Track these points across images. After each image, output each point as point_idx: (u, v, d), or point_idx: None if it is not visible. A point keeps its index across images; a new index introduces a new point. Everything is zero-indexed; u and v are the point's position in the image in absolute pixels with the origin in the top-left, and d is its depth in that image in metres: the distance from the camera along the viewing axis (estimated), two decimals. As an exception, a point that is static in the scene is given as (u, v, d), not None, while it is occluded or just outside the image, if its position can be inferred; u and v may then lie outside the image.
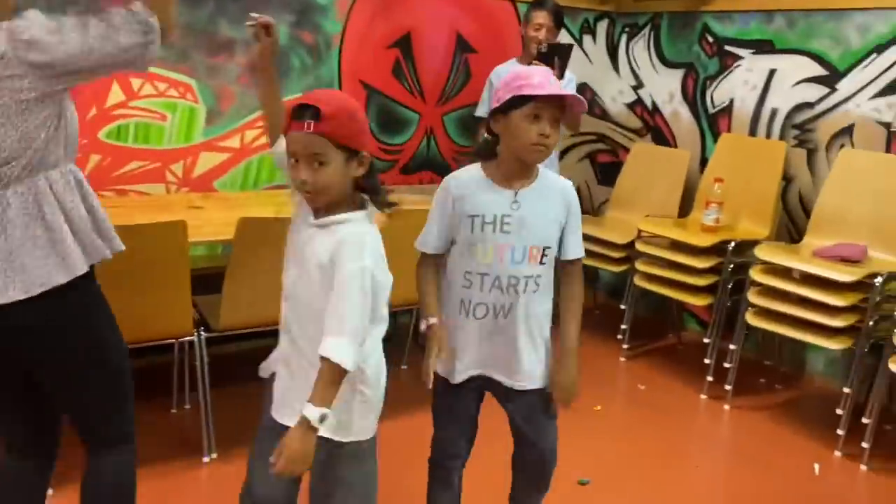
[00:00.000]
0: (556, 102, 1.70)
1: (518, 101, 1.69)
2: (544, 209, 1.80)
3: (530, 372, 1.88)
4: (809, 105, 3.58)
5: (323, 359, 1.46)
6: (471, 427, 1.99)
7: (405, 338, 3.56)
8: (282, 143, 1.57)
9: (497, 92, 1.75)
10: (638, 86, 4.40)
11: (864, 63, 3.36)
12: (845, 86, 3.44)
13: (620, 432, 3.10)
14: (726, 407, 3.33)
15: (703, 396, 3.41)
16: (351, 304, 1.48)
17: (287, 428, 1.50)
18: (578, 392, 1.90)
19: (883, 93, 3.30)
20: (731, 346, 3.35)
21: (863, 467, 2.87)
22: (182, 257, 2.47)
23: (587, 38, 4.44)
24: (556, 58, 3.23)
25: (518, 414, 1.94)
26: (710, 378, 3.43)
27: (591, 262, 4.07)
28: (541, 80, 1.70)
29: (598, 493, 2.63)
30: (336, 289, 1.49)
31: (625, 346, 3.85)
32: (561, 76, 3.24)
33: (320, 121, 1.45)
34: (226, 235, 2.56)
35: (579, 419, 3.15)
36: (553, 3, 3.46)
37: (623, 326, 3.88)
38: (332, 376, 1.47)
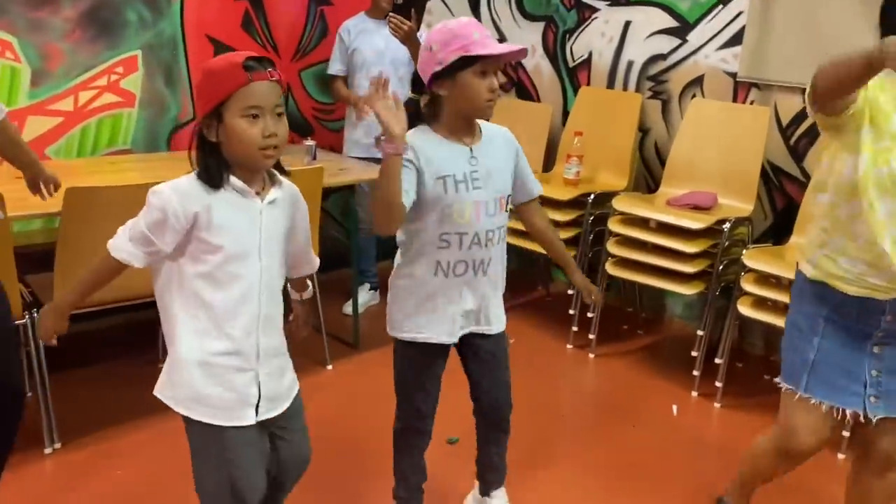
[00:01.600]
0: (503, 58, 1.73)
1: (465, 62, 1.67)
2: (498, 159, 1.84)
3: (497, 316, 1.96)
4: (662, 56, 3.65)
5: (305, 278, 1.81)
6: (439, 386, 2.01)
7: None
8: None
9: (434, 55, 1.70)
10: (500, 39, 4.36)
11: (711, 14, 3.45)
12: (695, 37, 3.52)
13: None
14: (591, 356, 3.42)
15: (569, 346, 3.49)
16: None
17: (265, 421, 1.60)
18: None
19: (729, 43, 3.40)
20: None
21: (717, 405, 3.02)
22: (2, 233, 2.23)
23: (446, -10, 4.34)
24: (412, 10, 3.18)
25: (479, 357, 1.98)
26: (574, 328, 3.50)
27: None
28: (480, 35, 1.69)
29: (466, 451, 2.62)
30: (304, 224, 1.69)
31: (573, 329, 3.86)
32: (418, 27, 3.19)
33: (276, 70, 1.46)
34: (55, 208, 2.33)
35: (447, 377, 3.13)
36: None
37: (571, 312, 3.88)
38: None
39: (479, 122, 1.84)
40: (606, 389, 3.18)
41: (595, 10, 3.88)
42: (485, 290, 1.90)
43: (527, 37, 4.21)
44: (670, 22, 3.60)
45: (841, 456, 2.70)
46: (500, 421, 2.11)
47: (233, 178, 1.49)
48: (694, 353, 3.13)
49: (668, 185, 3.47)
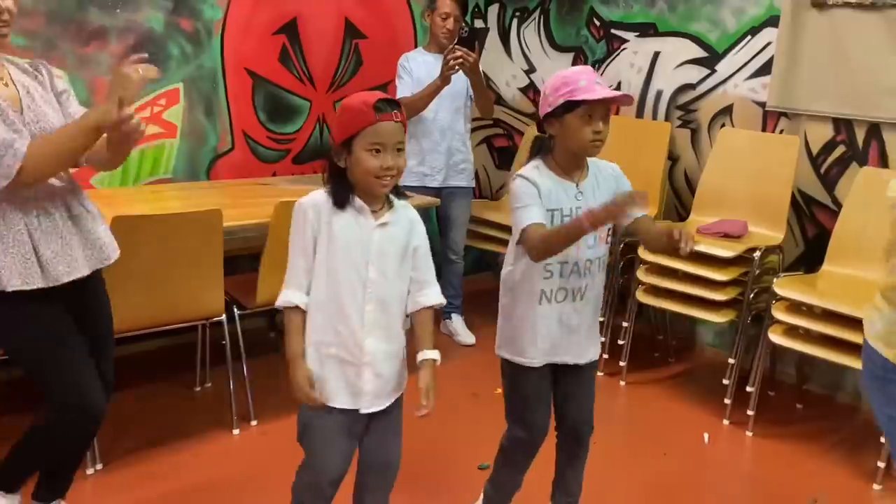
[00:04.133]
0: (607, 102, 1.83)
1: (571, 105, 1.81)
2: (602, 195, 1.94)
3: (593, 346, 2.07)
4: (691, 86, 3.69)
5: (427, 308, 1.80)
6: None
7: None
8: None
9: (547, 98, 1.87)
10: (530, 70, 4.44)
11: (740, 45, 3.49)
12: (723, 67, 3.56)
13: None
14: (622, 383, 3.42)
15: (600, 374, 3.49)
16: (431, 262, 1.84)
17: (368, 416, 1.78)
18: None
19: (757, 73, 3.43)
20: (625, 324, 3.44)
21: (748, 433, 3.01)
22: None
23: (478, 23, 4.43)
24: (475, 42, 3.28)
25: (570, 387, 2.08)
26: (605, 356, 3.51)
27: (490, 247, 4.10)
28: (587, 82, 1.82)
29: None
30: (422, 251, 1.80)
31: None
32: (479, 57, 3.32)
33: (402, 112, 1.66)
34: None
35: (481, 404, 3.17)
36: None
37: None
38: (433, 320, 1.85)
39: (589, 158, 1.96)
40: (637, 417, 3.18)
41: (624, 41, 3.94)
42: (582, 318, 2.00)
43: (556, 67, 4.27)
44: (699, 52, 3.64)
45: (877, 487, 2.67)
46: (577, 446, 2.20)
47: (356, 199, 1.70)
48: (725, 382, 3.13)
49: (698, 213, 3.49)
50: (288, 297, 1.73)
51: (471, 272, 4.58)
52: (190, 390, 3.17)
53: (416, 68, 3.51)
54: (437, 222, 3.85)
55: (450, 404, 3.15)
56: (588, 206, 1.88)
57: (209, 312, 2.77)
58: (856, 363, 2.65)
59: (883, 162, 3.11)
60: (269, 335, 3.77)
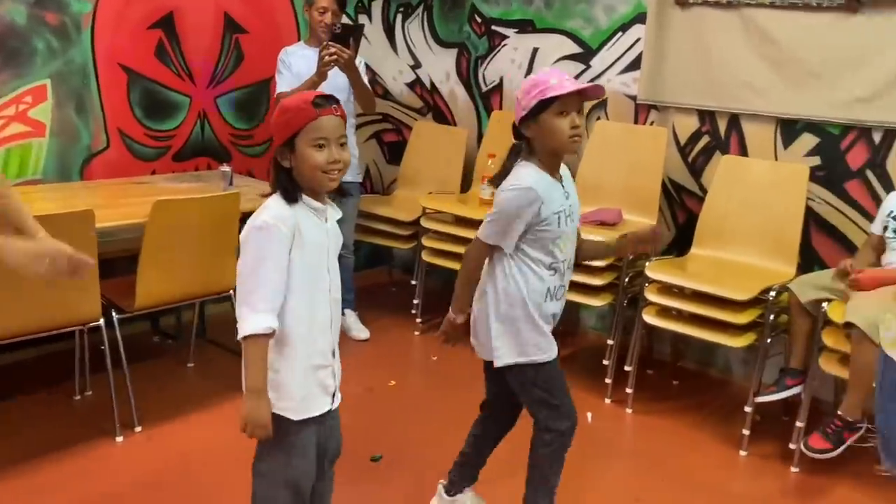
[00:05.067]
0: (576, 95, 1.88)
1: (544, 104, 1.86)
2: (573, 195, 2.04)
3: None
4: (569, 81, 3.83)
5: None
6: None
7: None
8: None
9: (520, 103, 1.91)
10: (416, 65, 4.48)
11: (612, 41, 3.65)
12: (597, 62, 3.72)
13: (414, 404, 3.19)
14: (511, 369, 3.52)
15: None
16: None
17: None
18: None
19: (629, 68, 3.61)
20: (512, 312, 3.54)
21: (628, 410, 3.17)
22: None
23: (363, 18, 4.44)
24: (350, 38, 3.26)
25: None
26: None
27: (382, 241, 4.13)
28: (558, 79, 1.87)
29: (389, 469, 2.69)
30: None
31: (418, 321, 3.95)
32: (356, 54, 3.30)
33: (340, 106, 1.68)
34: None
35: (373, 397, 3.20)
36: None
37: (415, 301, 3.98)
38: None
39: None
40: (525, 401, 3.28)
41: (504, 37, 4.04)
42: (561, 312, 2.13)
43: (441, 62, 4.34)
44: (575, 48, 3.79)
45: (743, 453, 2.87)
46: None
47: (307, 198, 1.69)
48: (605, 362, 3.28)
49: (577, 202, 3.63)
50: (263, 321, 1.61)
51: (364, 267, 4.60)
52: (70, 399, 3.04)
53: (296, 62, 3.49)
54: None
55: (344, 399, 3.16)
56: (572, 204, 2.00)
57: (85, 318, 2.67)
58: (724, 340, 2.86)
59: (742, 150, 3.34)
60: (152, 339, 3.66)
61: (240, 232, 1.69)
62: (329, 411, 1.80)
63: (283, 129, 1.66)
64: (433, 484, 2.42)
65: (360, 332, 3.82)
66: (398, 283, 4.64)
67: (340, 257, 3.98)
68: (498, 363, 2.09)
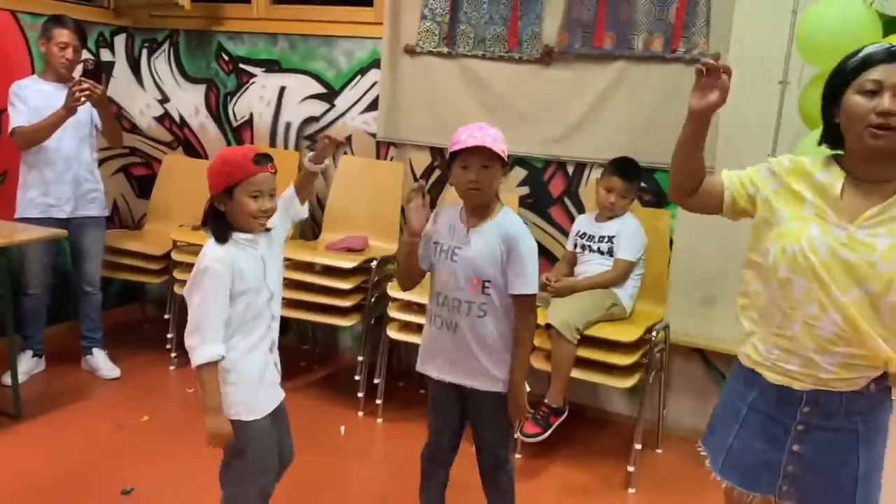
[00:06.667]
0: (479, 151, 2.02)
1: (451, 157, 2.08)
2: (487, 247, 2.10)
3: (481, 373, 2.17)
4: (315, 119, 4.10)
5: None
6: (455, 419, 2.27)
7: None
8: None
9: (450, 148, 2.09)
10: (164, 100, 4.50)
11: (353, 83, 3.98)
12: (341, 102, 4.02)
13: (169, 438, 3.20)
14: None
15: (248, 388, 3.69)
16: None
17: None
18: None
19: (369, 108, 3.95)
20: (269, 338, 3.68)
21: (379, 420, 3.45)
22: None
23: (105, 52, 4.37)
24: (102, 74, 3.28)
25: (470, 413, 2.24)
26: (252, 370, 3.72)
27: (134, 277, 4.07)
28: (466, 136, 2.03)
29: (140, 500, 2.72)
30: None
31: (173, 355, 3.94)
32: (107, 90, 3.34)
33: (274, 164, 1.98)
34: None
35: (125, 433, 3.17)
36: (74, 21, 3.47)
37: (169, 335, 3.98)
38: None
39: (500, 212, 2.14)
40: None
41: (253, 75, 4.22)
42: (464, 347, 2.15)
43: (190, 98, 4.40)
44: (319, 88, 4.06)
45: (631, 490, 3.01)
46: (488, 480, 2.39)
47: (237, 234, 1.97)
48: (357, 377, 3.55)
49: (327, 231, 3.89)
50: (213, 351, 1.91)
51: (116, 305, 4.48)
52: None
53: (33, 97, 3.39)
54: (70, 255, 3.73)
55: (92, 438, 3.11)
56: (468, 251, 2.11)
57: None
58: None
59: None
60: None
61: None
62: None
63: (225, 178, 1.93)
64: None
65: (111, 370, 3.74)
66: (152, 319, 4.57)
67: (86, 294, 4.00)
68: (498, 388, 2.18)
